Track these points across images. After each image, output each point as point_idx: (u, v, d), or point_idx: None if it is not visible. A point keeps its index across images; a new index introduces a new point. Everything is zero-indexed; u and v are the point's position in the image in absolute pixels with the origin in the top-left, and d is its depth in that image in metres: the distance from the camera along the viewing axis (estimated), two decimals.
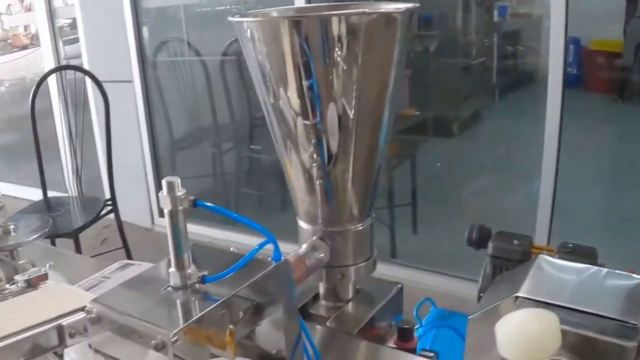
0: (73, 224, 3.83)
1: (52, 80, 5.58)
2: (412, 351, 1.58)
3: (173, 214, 1.13)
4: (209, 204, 1.15)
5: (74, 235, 3.72)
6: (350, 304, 1.73)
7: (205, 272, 1.17)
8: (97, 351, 1.18)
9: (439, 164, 5.29)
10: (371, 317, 1.69)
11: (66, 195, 4.45)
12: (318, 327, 1.63)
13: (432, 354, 1.53)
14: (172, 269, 1.17)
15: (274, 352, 1.32)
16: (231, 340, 1.20)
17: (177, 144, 5.38)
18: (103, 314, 1.13)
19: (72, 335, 1.23)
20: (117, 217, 4.07)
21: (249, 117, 5.10)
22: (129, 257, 3.88)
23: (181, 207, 1.13)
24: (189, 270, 1.16)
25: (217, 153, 5.26)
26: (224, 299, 1.13)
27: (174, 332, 1.03)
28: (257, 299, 1.23)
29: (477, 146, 5.15)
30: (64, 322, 1.23)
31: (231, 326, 1.17)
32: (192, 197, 1.12)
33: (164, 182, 1.11)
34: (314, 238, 1.62)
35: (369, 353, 1.53)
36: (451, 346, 1.96)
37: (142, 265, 1.86)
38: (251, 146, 5.01)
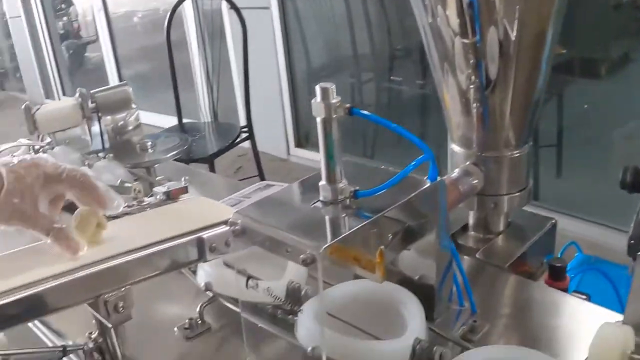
0: (208, 149, 3.84)
1: (187, 10, 5.58)
2: (564, 291, 1.49)
3: (326, 122, 1.06)
4: (365, 112, 1.06)
5: (209, 160, 3.73)
6: (500, 237, 1.65)
7: (357, 188, 1.10)
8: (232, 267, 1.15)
9: (586, 106, 5.06)
10: (523, 252, 1.60)
11: (201, 121, 4.46)
12: (466, 258, 1.55)
13: (584, 296, 1.43)
14: (323, 182, 1.10)
15: (416, 277, 1.28)
16: (381, 262, 1.13)
17: (315, 73, 5.33)
18: (248, 226, 1.08)
19: (212, 250, 1.19)
20: (253, 144, 4.05)
21: (389, 47, 4.99)
22: None
23: (335, 115, 1.05)
24: (340, 185, 1.10)
25: (355, 83, 5.18)
26: (378, 215, 1.07)
27: (325, 246, 0.97)
28: (408, 221, 1.16)
29: (626, 89, 4.88)
30: (205, 235, 1.18)
31: (382, 247, 1.10)
32: (347, 105, 1.04)
33: (317, 88, 1.04)
34: (468, 163, 1.54)
35: (519, 289, 1.44)
36: (599, 291, 1.86)
37: (285, 186, 1.79)
38: (391, 77, 4.91)
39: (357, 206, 1.10)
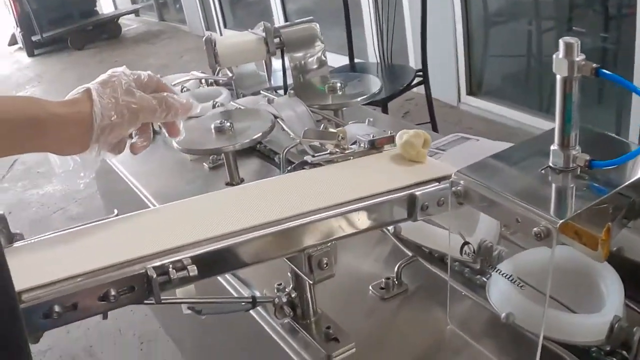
0: (382, 92, 3.73)
1: None
2: None
3: (567, 82, 0.99)
4: (612, 74, 0.98)
5: (383, 103, 3.66)
6: None
7: (591, 157, 1.02)
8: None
9: None
10: None
11: (373, 62, 4.39)
12: None
13: None
14: (555, 147, 1.03)
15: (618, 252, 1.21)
16: (606, 240, 1.06)
17: (491, 18, 5.16)
18: (472, 189, 1.03)
19: (423, 209, 1.13)
20: (427, 89, 3.96)
21: None
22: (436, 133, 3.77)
23: (578, 75, 0.97)
24: (574, 152, 1.02)
25: (534, 32, 4.99)
26: (614, 190, 0.99)
27: (563, 221, 0.90)
28: (636, 197, 1.07)
29: None
30: (418, 192, 1.12)
31: (610, 223, 1.02)
32: (594, 65, 0.96)
33: (561, 43, 0.97)
34: None
35: None
36: None
37: (480, 140, 1.73)
38: (574, 28, 4.69)
39: (590, 177, 1.02)
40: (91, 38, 10.16)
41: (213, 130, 1.75)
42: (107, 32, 10.33)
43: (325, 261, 1.08)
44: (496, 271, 1.17)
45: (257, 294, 1.32)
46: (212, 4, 8.83)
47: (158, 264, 0.97)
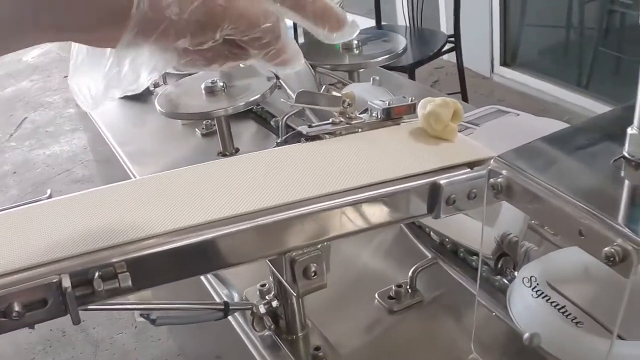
0: (409, 57, 3.49)
1: None
2: None
3: None
4: None
5: (409, 69, 3.39)
6: None
7: None
8: None
9: None
10: None
11: (402, 25, 4.13)
12: None
13: None
14: (634, 131, 0.74)
15: None
16: None
17: None
18: (517, 183, 0.74)
19: (449, 202, 0.84)
20: (459, 56, 3.70)
21: None
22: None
23: None
24: None
25: (575, 2, 4.71)
26: None
27: None
28: None
29: None
30: (442, 180, 0.83)
31: None
32: None
33: None
34: None
35: None
36: None
37: (521, 115, 1.44)
38: None
39: None
40: None
41: (203, 91, 1.47)
42: None
43: (313, 269, 0.81)
44: (521, 278, 0.90)
45: (235, 296, 1.06)
46: None
47: (79, 268, 0.70)
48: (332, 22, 0.66)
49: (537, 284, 0.88)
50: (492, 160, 0.77)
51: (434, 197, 0.85)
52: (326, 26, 0.66)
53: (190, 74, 1.63)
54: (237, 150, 1.58)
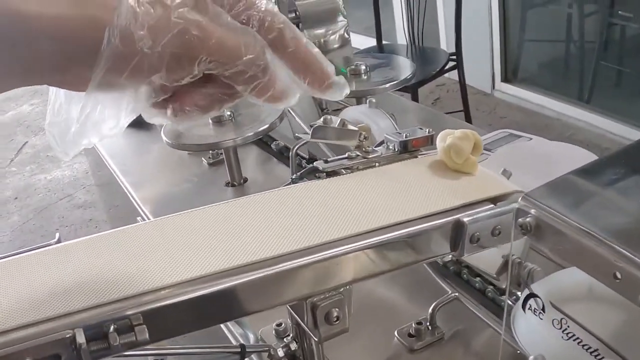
0: (413, 78, 3.46)
1: None
2: None
3: None
4: None
5: (412, 89, 3.37)
6: None
7: None
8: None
9: None
10: None
11: (402, 44, 4.12)
12: None
13: None
14: None
15: None
16: None
17: (530, 0, 4.88)
18: (547, 223, 0.70)
19: (474, 240, 0.81)
20: (461, 74, 3.69)
21: None
22: (469, 123, 3.52)
23: None
24: None
25: (575, 16, 4.71)
26: None
27: None
28: None
29: None
30: (466, 218, 0.80)
31: None
32: None
33: None
34: None
35: None
36: None
37: (533, 140, 1.41)
38: (619, 12, 4.39)
39: None
40: None
41: (210, 121, 1.44)
42: None
43: (335, 314, 0.78)
44: (525, 298, 0.89)
45: (251, 336, 1.02)
46: None
47: (93, 322, 0.67)
48: (316, 75, 0.61)
49: (542, 305, 0.87)
50: (520, 199, 0.74)
51: (457, 235, 0.82)
52: (307, 78, 0.61)
53: None
54: (245, 180, 1.55)
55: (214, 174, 1.67)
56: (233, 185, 1.54)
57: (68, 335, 0.65)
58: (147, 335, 0.67)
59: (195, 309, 0.71)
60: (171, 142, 1.41)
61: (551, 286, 0.88)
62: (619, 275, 0.63)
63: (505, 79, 4.87)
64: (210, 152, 1.70)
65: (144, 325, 0.67)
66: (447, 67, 3.63)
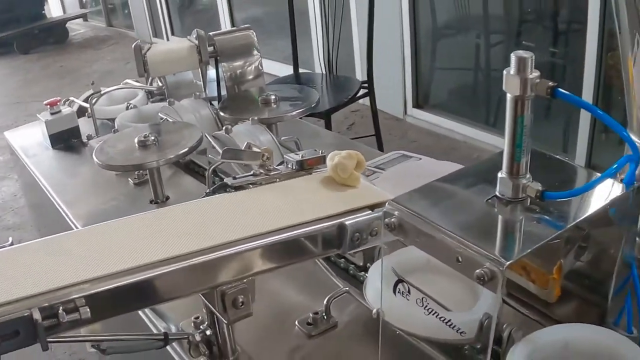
0: (325, 103, 3.63)
1: None
2: None
3: (519, 102, 0.87)
4: (570, 94, 0.85)
5: (326, 115, 3.53)
6: None
7: (544, 187, 0.89)
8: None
9: None
10: None
11: (318, 72, 4.28)
12: None
13: None
14: (503, 175, 0.91)
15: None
16: (558, 278, 0.94)
17: (440, 30, 5.08)
18: (407, 221, 0.90)
19: (354, 240, 1.00)
20: (372, 101, 3.84)
21: (520, 10, 4.71)
22: (380, 147, 3.68)
23: (531, 94, 0.85)
24: (524, 180, 0.90)
25: (482, 45, 4.92)
26: (570, 225, 0.86)
27: (509, 262, 0.77)
28: (592, 230, 0.98)
29: None
30: (348, 221, 0.99)
31: (562, 260, 0.90)
32: (550, 83, 0.84)
33: (513, 57, 0.85)
34: None
35: None
36: None
37: (422, 159, 1.61)
38: (523, 42, 4.62)
39: (541, 209, 0.89)
40: (37, 42, 9.89)
41: (136, 145, 1.60)
42: (54, 36, 10.07)
43: (241, 299, 0.95)
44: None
45: (172, 328, 1.18)
46: (159, 11, 8.67)
47: (46, 304, 0.83)
48: None
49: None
50: (387, 203, 0.92)
51: (341, 235, 1.00)
52: None
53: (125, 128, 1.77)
54: (167, 198, 1.70)
55: (139, 193, 1.81)
56: (157, 203, 1.69)
57: (26, 314, 0.81)
58: (89, 315, 0.84)
59: (128, 294, 0.88)
60: (101, 163, 1.56)
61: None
62: (460, 259, 0.82)
63: (417, 104, 5.02)
64: (136, 172, 1.84)
65: (87, 307, 0.84)
66: (359, 94, 3.79)
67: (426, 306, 0.98)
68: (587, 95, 3.63)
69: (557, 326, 0.96)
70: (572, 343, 0.92)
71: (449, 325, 0.96)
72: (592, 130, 3.75)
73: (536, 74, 0.85)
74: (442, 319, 0.96)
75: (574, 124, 3.88)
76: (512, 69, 0.86)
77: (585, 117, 3.74)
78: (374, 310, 0.98)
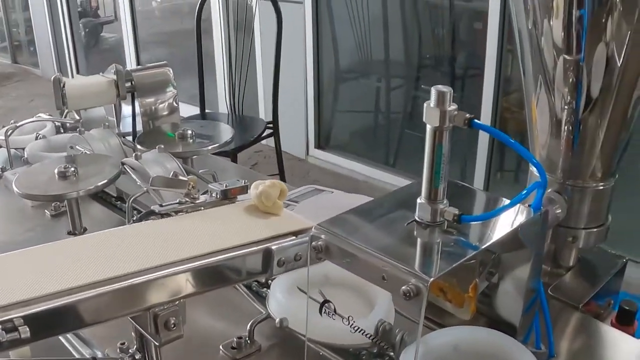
0: (232, 143, 3.64)
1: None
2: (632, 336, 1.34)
3: (438, 133, 0.92)
4: (486, 125, 0.91)
5: (232, 154, 3.56)
6: (570, 273, 1.49)
7: (460, 211, 0.94)
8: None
9: None
10: (595, 292, 1.45)
11: (224, 112, 4.31)
12: None
13: None
14: (422, 200, 0.96)
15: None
16: (474, 296, 0.99)
17: (342, 74, 5.18)
18: (334, 244, 0.93)
19: (280, 264, 1.03)
20: (277, 141, 3.90)
21: (419, 56, 4.84)
22: None
23: (449, 125, 0.90)
24: (441, 205, 0.95)
25: (383, 89, 5.04)
26: (485, 245, 0.92)
27: (433, 279, 0.82)
28: (503, 252, 1.04)
29: None
30: (274, 246, 1.02)
31: (477, 279, 0.96)
32: (468, 115, 0.89)
33: (433, 91, 0.90)
34: (550, 190, 1.38)
35: (589, 329, 1.32)
36: None
37: (335, 193, 1.65)
38: (422, 86, 4.76)
39: (458, 232, 0.95)
40: None
41: (56, 175, 1.59)
42: None
43: (172, 321, 0.96)
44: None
45: (99, 354, 1.18)
46: (65, 49, 8.58)
47: None
48: None
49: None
50: (313, 228, 0.96)
51: (267, 260, 1.03)
52: None
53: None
54: (85, 230, 1.69)
55: (56, 224, 1.79)
56: (74, 234, 1.67)
57: None
58: (29, 334, 0.84)
59: (63, 315, 0.89)
60: (21, 193, 1.54)
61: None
62: (385, 277, 0.87)
63: (319, 145, 5.11)
64: (53, 205, 1.83)
65: (27, 326, 0.84)
66: (264, 134, 3.84)
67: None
68: (485, 135, 3.74)
69: (447, 329, 1.04)
70: (462, 344, 1.00)
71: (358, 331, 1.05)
72: (489, 169, 3.87)
73: (454, 106, 0.90)
74: (352, 326, 1.05)
75: (470, 164, 4.00)
76: (432, 102, 0.90)
77: (481, 157, 3.86)
78: (277, 320, 1.09)
